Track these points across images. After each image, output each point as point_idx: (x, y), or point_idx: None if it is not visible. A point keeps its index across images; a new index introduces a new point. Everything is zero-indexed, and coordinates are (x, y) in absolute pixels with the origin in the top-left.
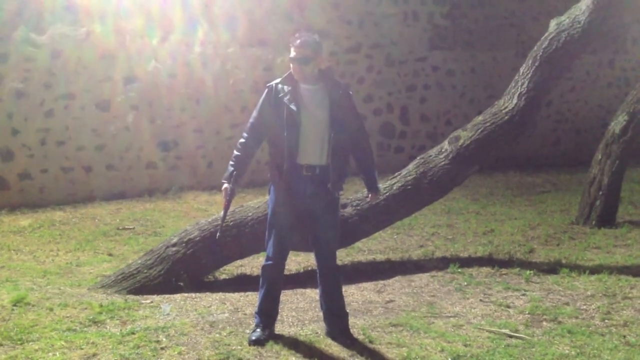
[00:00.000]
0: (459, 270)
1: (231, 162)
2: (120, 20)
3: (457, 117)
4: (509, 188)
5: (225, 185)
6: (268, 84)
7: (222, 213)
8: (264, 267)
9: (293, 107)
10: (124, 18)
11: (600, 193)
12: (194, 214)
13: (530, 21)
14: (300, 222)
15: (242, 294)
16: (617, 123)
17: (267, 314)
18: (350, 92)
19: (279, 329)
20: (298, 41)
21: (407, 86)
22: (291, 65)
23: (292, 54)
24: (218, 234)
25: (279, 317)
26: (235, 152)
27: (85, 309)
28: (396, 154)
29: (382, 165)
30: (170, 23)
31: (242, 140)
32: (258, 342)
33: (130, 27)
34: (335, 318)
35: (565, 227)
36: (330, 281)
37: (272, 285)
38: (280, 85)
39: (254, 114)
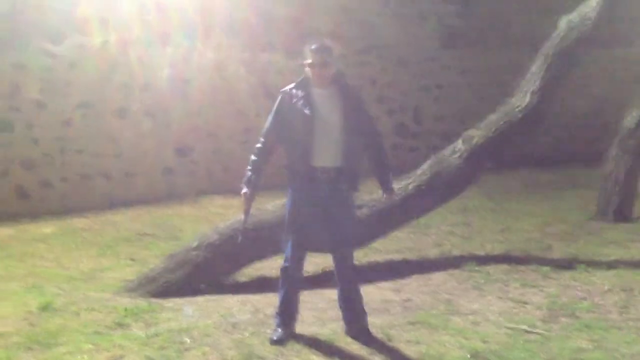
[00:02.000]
0: (476, 268)
1: (249, 167)
2: (133, 29)
3: (471, 116)
4: (524, 185)
5: (245, 189)
6: (282, 90)
7: (242, 217)
8: (282, 269)
9: (307, 111)
10: (136, 27)
11: (617, 188)
12: (212, 218)
13: (542, 18)
14: (318, 223)
15: (263, 295)
16: (632, 118)
17: (288, 314)
18: (361, 95)
19: (299, 328)
20: (314, 46)
21: (419, 86)
22: (308, 70)
23: (311, 59)
24: (240, 237)
25: (299, 317)
26: (253, 157)
27: (111, 312)
28: (410, 154)
29: (397, 165)
30: (181, 30)
31: (258, 145)
32: (279, 342)
33: (143, 36)
34: (354, 317)
35: (581, 223)
36: (348, 281)
37: (291, 286)
38: (294, 91)
39: (269, 119)
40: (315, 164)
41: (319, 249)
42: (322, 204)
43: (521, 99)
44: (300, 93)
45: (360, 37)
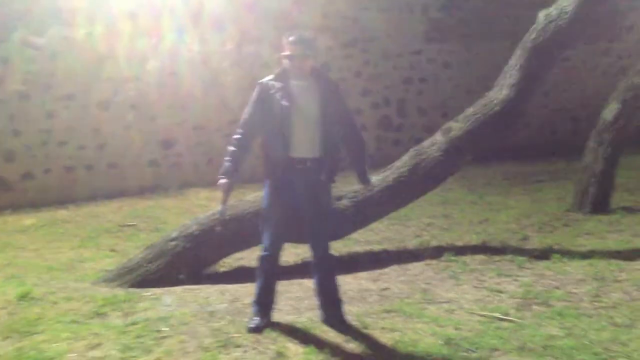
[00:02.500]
0: (454, 258)
1: (227, 158)
2: (118, 21)
3: (454, 109)
4: (505, 178)
5: (222, 180)
6: (259, 81)
7: (220, 207)
8: (260, 258)
9: (284, 102)
10: (122, 19)
11: (594, 180)
12: (195, 210)
13: (525, 12)
14: (295, 213)
15: (241, 285)
16: (609, 111)
17: (264, 302)
18: (339, 87)
19: (276, 317)
20: (293, 38)
21: (403, 79)
22: (286, 61)
23: (289, 51)
24: (218, 227)
25: (276, 306)
26: (231, 148)
27: (89, 302)
28: (394, 147)
29: (381, 158)
30: (168, 22)
31: (236, 135)
32: (256, 330)
33: (128, 28)
34: (330, 305)
35: (559, 215)
36: (325, 269)
37: (268, 275)
38: (271, 82)
39: (247, 110)
40: (293, 154)
41: (297, 239)
42: (300, 194)
43: (498, 92)
44: (278, 84)
45: (346, 30)
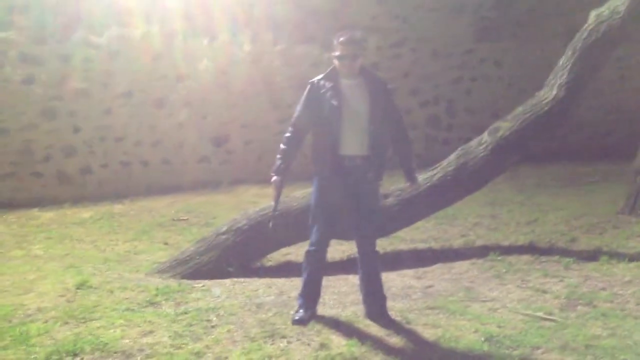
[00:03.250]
0: (499, 258)
1: (278, 156)
2: (172, 21)
3: (504, 109)
4: (556, 179)
5: (275, 177)
6: (310, 80)
7: (273, 204)
8: (307, 253)
9: (334, 102)
10: (176, 19)
11: None
12: (245, 206)
13: (578, 11)
14: (343, 210)
15: (288, 279)
16: None
17: (310, 296)
18: (389, 86)
19: (321, 310)
20: (343, 38)
21: (453, 79)
22: (336, 61)
23: (339, 51)
24: (271, 223)
25: (321, 300)
26: (282, 146)
27: (143, 291)
28: (443, 146)
29: (429, 157)
30: (220, 23)
31: (287, 134)
32: (301, 322)
33: (182, 28)
34: (374, 300)
35: (609, 217)
36: (370, 265)
37: (314, 270)
38: (322, 82)
39: (298, 108)
40: (342, 152)
41: (343, 236)
42: (348, 191)
43: (548, 92)
44: (328, 84)
45: (395, 30)
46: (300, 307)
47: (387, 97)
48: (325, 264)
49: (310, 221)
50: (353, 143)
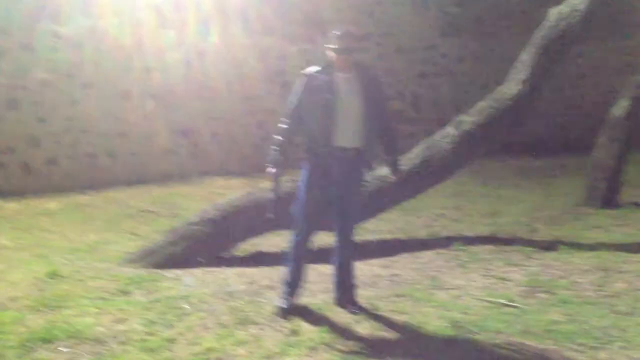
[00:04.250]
0: (463, 248)
1: (274, 147)
2: (139, 13)
3: (468, 103)
4: (518, 172)
5: (271, 169)
6: (305, 72)
7: (272, 195)
8: (294, 242)
9: (329, 95)
10: (142, 10)
11: (603, 175)
12: (213, 197)
13: (540, 8)
14: (329, 200)
15: (258, 268)
16: (619, 107)
17: (294, 284)
18: (381, 77)
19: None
20: (340, 32)
21: (418, 73)
22: (334, 55)
23: (337, 45)
24: (272, 214)
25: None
26: (278, 137)
27: (114, 280)
28: (408, 140)
29: None
30: (186, 15)
31: (283, 125)
32: (287, 309)
33: (149, 20)
34: (345, 287)
35: (569, 209)
36: (346, 251)
37: (299, 259)
38: (317, 74)
39: (292, 100)
40: (335, 144)
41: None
42: (337, 181)
43: (509, 87)
44: (322, 77)
45: (360, 24)
46: (287, 294)
47: (379, 89)
48: (308, 252)
49: (297, 211)
50: (346, 135)
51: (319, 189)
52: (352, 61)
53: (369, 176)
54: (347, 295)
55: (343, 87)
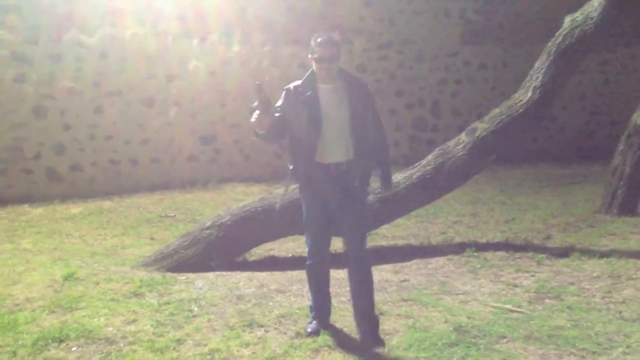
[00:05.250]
0: (475, 254)
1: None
2: (163, 22)
3: (489, 110)
4: (537, 179)
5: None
6: (286, 87)
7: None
8: (307, 267)
9: (313, 109)
10: (166, 20)
11: (622, 183)
12: (231, 203)
13: (561, 16)
14: (333, 218)
15: (269, 272)
16: (639, 115)
17: (320, 307)
18: (369, 88)
19: (298, 302)
20: (321, 39)
21: (438, 81)
22: (315, 64)
23: (317, 53)
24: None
25: (298, 292)
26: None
27: (127, 283)
28: (428, 147)
29: (415, 157)
30: (209, 24)
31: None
32: (314, 334)
33: (172, 29)
34: (367, 323)
35: (586, 216)
36: (361, 273)
37: (319, 283)
38: (299, 88)
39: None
40: (326, 160)
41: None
42: (336, 199)
43: (523, 94)
44: (305, 90)
45: (382, 32)
46: (313, 318)
47: (367, 99)
48: (328, 275)
49: (305, 233)
50: (337, 150)
51: (317, 210)
52: (335, 70)
53: (370, 189)
54: (371, 331)
55: (328, 100)
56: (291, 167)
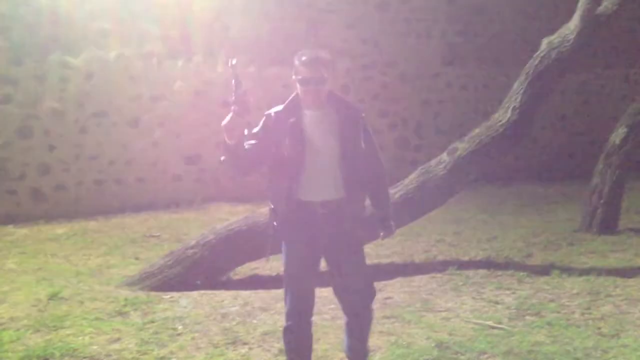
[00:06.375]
0: (457, 272)
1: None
2: (148, 43)
3: (470, 130)
4: (519, 198)
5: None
6: (266, 112)
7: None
8: (285, 330)
9: (296, 140)
10: (151, 41)
11: (601, 201)
12: (216, 223)
13: (540, 38)
14: (319, 272)
15: (253, 291)
16: (618, 134)
17: None
18: (363, 114)
19: (282, 319)
20: (306, 58)
21: (421, 101)
22: (299, 87)
23: (302, 74)
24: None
25: (283, 310)
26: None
27: (112, 302)
28: (411, 166)
29: (398, 177)
30: (194, 45)
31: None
32: None
33: (157, 50)
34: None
35: (567, 235)
36: (361, 330)
37: (297, 354)
38: (280, 115)
39: (249, 138)
40: (313, 199)
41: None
42: (325, 244)
43: (503, 114)
44: (287, 117)
45: (365, 54)
46: None
47: (360, 126)
48: (311, 342)
49: (284, 289)
50: (324, 187)
51: (299, 263)
52: (323, 94)
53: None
54: None
55: (313, 128)
56: (272, 207)
